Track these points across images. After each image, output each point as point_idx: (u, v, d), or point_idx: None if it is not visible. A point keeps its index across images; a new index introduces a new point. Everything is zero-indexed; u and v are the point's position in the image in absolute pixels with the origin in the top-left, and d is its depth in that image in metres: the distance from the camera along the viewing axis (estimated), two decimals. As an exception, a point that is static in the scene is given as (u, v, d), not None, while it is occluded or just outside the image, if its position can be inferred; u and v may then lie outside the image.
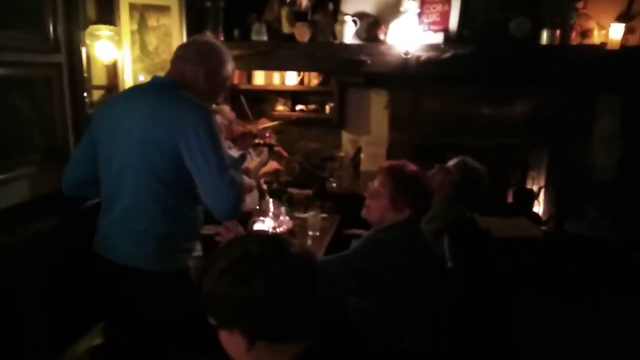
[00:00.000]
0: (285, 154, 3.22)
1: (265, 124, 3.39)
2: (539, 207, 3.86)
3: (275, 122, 3.33)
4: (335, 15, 3.40)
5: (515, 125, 3.65)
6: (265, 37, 3.45)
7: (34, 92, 2.15)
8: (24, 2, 2.06)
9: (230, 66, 1.85)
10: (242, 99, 3.87)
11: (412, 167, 1.81)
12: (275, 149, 3.11)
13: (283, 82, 4.01)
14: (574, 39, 3.19)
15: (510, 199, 3.97)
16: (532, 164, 3.97)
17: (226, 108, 3.29)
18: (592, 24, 3.21)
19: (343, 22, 3.33)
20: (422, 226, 2.04)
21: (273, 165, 2.99)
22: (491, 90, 3.62)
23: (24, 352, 1.90)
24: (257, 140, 3.01)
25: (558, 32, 3.13)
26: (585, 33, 3.20)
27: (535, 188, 3.88)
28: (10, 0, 1.98)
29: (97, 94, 2.92)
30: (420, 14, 3.28)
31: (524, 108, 3.64)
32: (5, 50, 1.97)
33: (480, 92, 3.64)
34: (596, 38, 3.19)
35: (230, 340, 0.93)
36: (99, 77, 2.93)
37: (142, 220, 1.64)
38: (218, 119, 2.70)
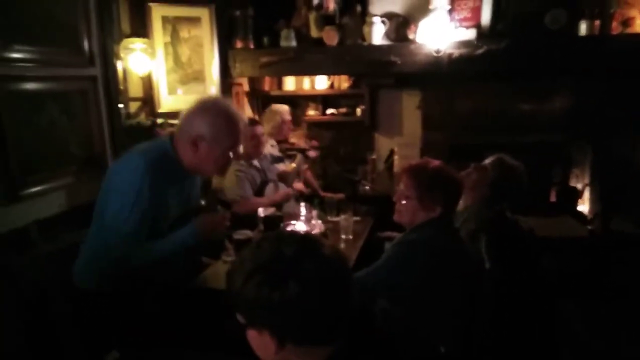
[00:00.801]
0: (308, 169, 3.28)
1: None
2: (584, 206, 3.69)
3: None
4: (363, 17, 3.37)
5: (555, 121, 3.51)
6: (294, 43, 3.47)
7: (71, 104, 2.24)
8: (58, 18, 2.15)
9: (229, 129, 1.59)
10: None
11: (434, 162, 1.77)
12: (307, 153, 3.14)
13: (313, 87, 4.01)
14: (615, 28, 3.06)
15: (553, 198, 3.82)
16: (575, 161, 3.80)
17: (285, 108, 3.34)
18: (634, 12, 3.06)
19: (371, 23, 3.30)
20: (458, 227, 1.98)
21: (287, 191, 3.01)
22: (528, 86, 3.50)
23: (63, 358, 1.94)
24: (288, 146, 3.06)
25: (597, 22, 3.02)
26: (627, 22, 3.06)
27: (579, 186, 3.72)
28: (45, 17, 2.07)
29: (134, 106, 3.01)
30: (450, 11, 3.22)
31: (563, 103, 3.50)
32: (41, 65, 2.05)
33: (516, 88, 3.52)
34: (639, 26, 3.04)
35: (259, 340, 0.92)
36: (135, 90, 3.02)
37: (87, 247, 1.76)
38: (258, 130, 2.83)
